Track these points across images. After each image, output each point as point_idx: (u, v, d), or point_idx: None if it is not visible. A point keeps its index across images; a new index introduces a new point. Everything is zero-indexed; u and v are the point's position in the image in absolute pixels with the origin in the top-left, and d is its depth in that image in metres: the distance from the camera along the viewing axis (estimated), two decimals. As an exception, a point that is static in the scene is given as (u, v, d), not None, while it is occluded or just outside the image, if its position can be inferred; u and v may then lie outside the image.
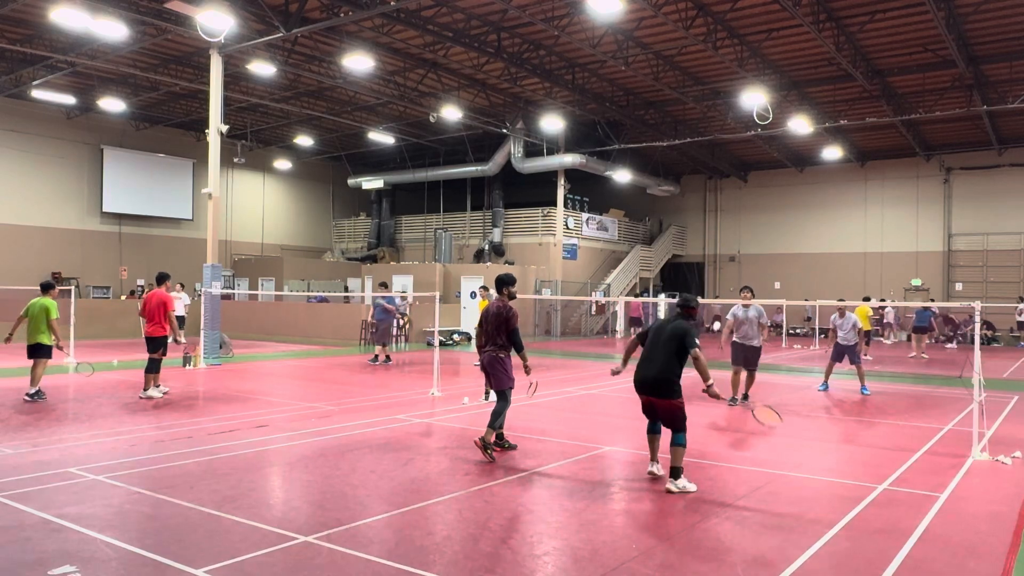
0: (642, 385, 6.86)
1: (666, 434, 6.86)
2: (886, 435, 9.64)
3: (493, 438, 7.83)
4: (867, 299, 24.44)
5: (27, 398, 10.86)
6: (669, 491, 6.52)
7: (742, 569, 4.79)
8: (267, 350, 21.24)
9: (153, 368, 11.49)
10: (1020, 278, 29.66)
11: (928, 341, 24.19)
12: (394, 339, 24.29)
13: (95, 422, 9.37)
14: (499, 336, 7.94)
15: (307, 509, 5.92)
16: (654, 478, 6.93)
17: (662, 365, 6.70)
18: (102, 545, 4.95)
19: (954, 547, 5.33)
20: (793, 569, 4.78)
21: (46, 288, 11.46)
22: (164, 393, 11.62)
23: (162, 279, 12.10)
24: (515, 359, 8.07)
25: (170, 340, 11.81)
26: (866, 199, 32.56)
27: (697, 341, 6.75)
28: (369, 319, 18.79)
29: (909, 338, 28.42)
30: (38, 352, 11.17)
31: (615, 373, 7.61)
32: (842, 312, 13.73)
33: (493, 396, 11.64)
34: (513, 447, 8.15)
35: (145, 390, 11.41)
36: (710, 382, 6.69)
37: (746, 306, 11.99)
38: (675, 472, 6.63)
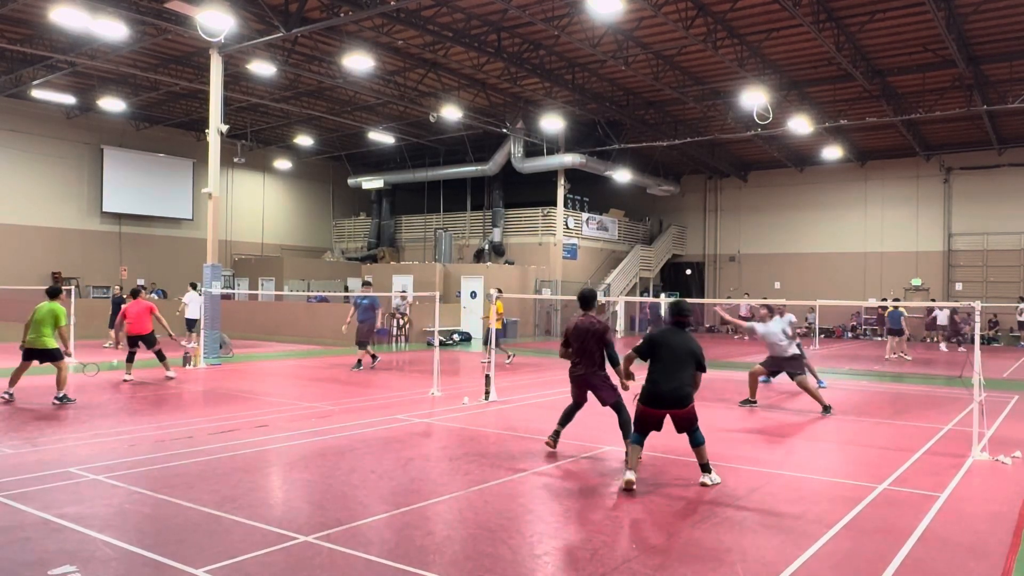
0: (662, 399, 6.73)
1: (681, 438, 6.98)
2: (886, 435, 9.64)
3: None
4: (896, 299, 25.08)
5: (55, 402, 10.58)
6: (704, 484, 6.74)
7: (742, 569, 4.79)
8: (267, 350, 21.24)
9: (162, 356, 14.01)
10: (1020, 278, 29.64)
11: (931, 342, 24.14)
12: (393, 339, 24.43)
13: (95, 422, 9.37)
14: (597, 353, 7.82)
15: (307, 509, 5.92)
16: (629, 488, 6.50)
17: (685, 379, 6.82)
18: (102, 545, 4.95)
19: (954, 547, 5.33)
20: (793, 569, 4.78)
21: (54, 294, 11.33)
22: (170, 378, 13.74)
23: (137, 292, 14.44)
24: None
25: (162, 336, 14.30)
26: (866, 199, 32.55)
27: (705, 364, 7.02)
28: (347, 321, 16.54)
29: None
30: (49, 357, 10.93)
31: (626, 389, 7.48)
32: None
33: (494, 396, 11.72)
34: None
35: (168, 371, 14.07)
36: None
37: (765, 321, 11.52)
38: (706, 467, 6.86)
